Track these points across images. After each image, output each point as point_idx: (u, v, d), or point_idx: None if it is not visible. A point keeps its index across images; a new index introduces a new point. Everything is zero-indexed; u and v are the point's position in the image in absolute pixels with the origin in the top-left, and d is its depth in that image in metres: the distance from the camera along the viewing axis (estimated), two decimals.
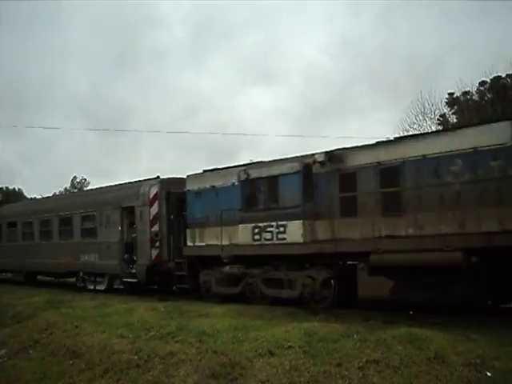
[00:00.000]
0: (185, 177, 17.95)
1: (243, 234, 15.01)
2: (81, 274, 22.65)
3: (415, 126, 36.25)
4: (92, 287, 21.90)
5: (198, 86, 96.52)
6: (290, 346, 9.27)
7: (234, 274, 15.46)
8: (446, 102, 38.12)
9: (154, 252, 18.82)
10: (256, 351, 9.34)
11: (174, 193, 18.77)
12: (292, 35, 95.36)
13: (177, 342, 10.78)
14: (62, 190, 58.85)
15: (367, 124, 68.36)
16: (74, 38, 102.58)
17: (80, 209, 22.89)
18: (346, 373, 8.12)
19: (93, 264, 21.63)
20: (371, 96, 73.05)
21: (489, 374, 7.40)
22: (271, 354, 9.13)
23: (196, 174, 17.70)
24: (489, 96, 35.84)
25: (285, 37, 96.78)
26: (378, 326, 10.63)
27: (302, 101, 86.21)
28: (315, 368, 8.42)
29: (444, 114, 37.77)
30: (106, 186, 23.59)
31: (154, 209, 19.00)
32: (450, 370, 7.67)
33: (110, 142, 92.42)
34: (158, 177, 19.81)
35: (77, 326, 13.14)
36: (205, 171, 17.50)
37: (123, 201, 20.31)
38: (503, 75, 34.79)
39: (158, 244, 18.87)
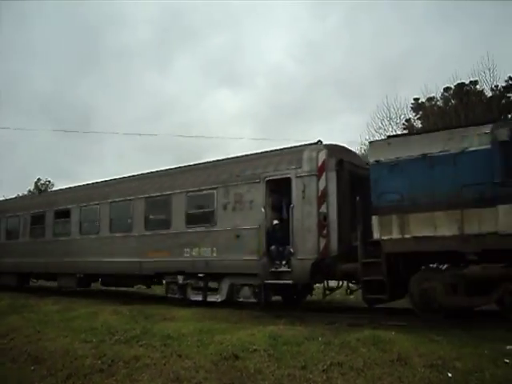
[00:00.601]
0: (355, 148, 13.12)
1: (507, 219, 10.62)
2: (180, 278, 16.37)
3: (381, 131, 36.71)
4: (199, 298, 15.89)
5: (163, 87, 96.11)
6: (255, 350, 9.25)
7: (489, 277, 10.92)
8: (412, 107, 38.77)
9: (322, 242, 13.44)
10: (221, 355, 9.28)
11: (347, 163, 14.13)
12: (257, 38, 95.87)
13: (141, 346, 10.65)
14: (26, 192, 57.71)
15: (333, 128, 68.67)
16: (36, 36, 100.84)
17: (184, 187, 16.82)
18: (311, 375, 8.14)
19: (206, 262, 15.60)
20: (337, 99, 73.78)
21: (450, 374, 7.51)
22: (236, 357, 9.09)
23: (389, 139, 13.32)
24: (453, 102, 36.57)
25: (250, 39, 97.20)
26: (343, 329, 10.71)
27: (267, 104, 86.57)
28: (279, 371, 8.41)
29: (409, 118, 38.41)
30: (230, 158, 17.24)
31: (322, 182, 13.73)
32: (413, 372, 7.76)
33: (73, 144, 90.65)
34: (320, 142, 14.77)
35: (39, 331, 12.87)
36: (390, 137, 14.01)
37: (268, 171, 14.69)
38: (467, 82, 35.56)
39: (325, 232, 13.53)
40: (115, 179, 21.11)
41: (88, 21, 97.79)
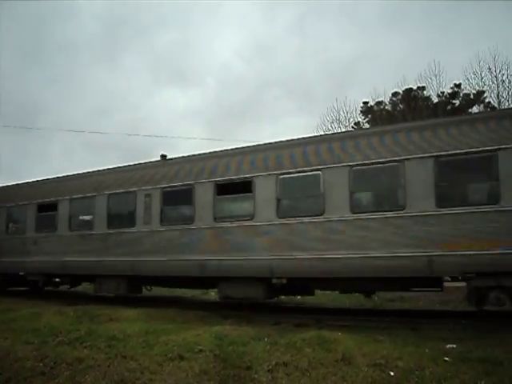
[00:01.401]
0: None
1: None
2: None
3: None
4: None
5: (111, 83, 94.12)
6: (200, 350, 9.20)
7: None
8: (361, 111, 39.42)
9: None
10: (166, 355, 9.20)
11: None
12: (206, 36, 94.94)
13: (85, 347, 10.44)
14: None
15: (280, 128, 68.92)
16: None
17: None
18: (256, 376, 8.14)
19: None
20: (286, 101, 74.01)
21: (392, 373, 7.64)
22: (181, 358, 9.02)
23: None
24: (401, 106, 37.41)
25: (198, 37, 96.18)
26: (289, 329, 10.81)
27: (215, 103, 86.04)
28: (225, 371, 8.39)
29: (358, 122, 39.02)
30: None
31: None
32: (356, 371, 7.86)
33: (17, 140, 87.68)
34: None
35: None
36: None
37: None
38: (414, 87, 36.43)
39: None
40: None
41: (32, 14, 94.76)
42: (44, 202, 19.34)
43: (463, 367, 7.60)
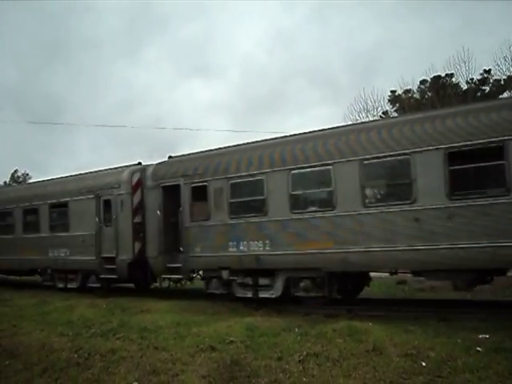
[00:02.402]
0: None
1: None
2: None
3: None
4: None
5: (133, 77, 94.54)
6: (231, 341, 9.30)
7: None
8: (389, 100, 38.95)
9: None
10: (198, 346, 9.31)
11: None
12: (226, 27, 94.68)
13: (118, 338, 10.63)
14: (1, 183, 56.92)
15: (306, 119, 68.29)
16: (0, 26, 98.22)
17: None
18: (287, 366, 8.19)
19: None
20: (310, 91, 73.36)
21: (423, 363, 7.61)
22: (213, 349, 9.13)
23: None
24: (429, 94, 36.84)
25: (220, 29, 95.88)
26: (319, 320, 10.82)
27: (240, 95, 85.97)
28: (256, 362, 8.46)
29: (386, 111, 38.56)
30: None
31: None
32: (387, 361, 7.86)
33: (44, 137, 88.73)
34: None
35: (14, 325, 12.75)
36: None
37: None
38: (443, 74, 35.85)
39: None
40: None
41: (55, 9, 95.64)
42: None
43: (496, 358, 7.52)
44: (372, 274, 13.52)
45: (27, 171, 63.19)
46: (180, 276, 15.40)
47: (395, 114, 36.67)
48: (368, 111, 37.92)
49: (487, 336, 8.68)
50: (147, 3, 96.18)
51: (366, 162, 11.94)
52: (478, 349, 7.94)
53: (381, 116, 37.14)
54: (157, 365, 9.03)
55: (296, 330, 9.68)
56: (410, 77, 37.91)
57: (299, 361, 8.27)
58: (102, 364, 9.61)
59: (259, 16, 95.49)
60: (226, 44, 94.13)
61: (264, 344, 9.07)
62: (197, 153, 16.20)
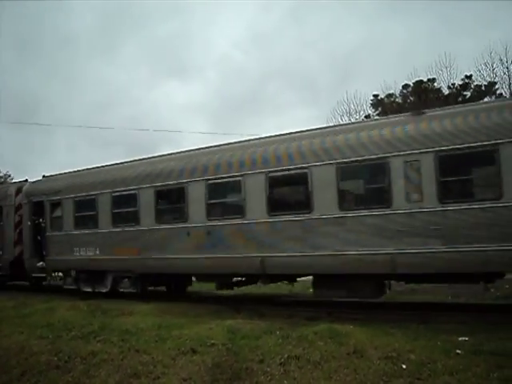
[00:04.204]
0: None
1: None
2: None
3: None
4: None
5: (110, 76, 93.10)
6: (213, 344, 9.27)
7: None
8: (371, 104, 39.27)
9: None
10: (179, 349, 9.29)
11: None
12: (204, 28, 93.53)
13: (99, 341, 10.57)
14: None
15: (284, 121, 67.78)
16: None
17: None
18: (268, 369, 8.21)
19: None
20: (287, 92, 73.02)
21: (404, 366, 7.67)
22: (194, 351, 9.11)
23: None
24: (411, 99, 37.21)
25: (197, 29, 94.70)
26: (301, 323, 10.84)
27: (217, 96, 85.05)
28: (237, 365, 8.46)
29: (369, 114, 38.86)
30: None
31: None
32: (368, 364, 7.90)
33: (20, 136, 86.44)
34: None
35: None
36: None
37: None
38: (425, 79, 36.24)
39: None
40: None
41: (30, 8, 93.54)
42: None
43: (475, 360, 7.59)
44: None
45: (9, 172, 62.34)
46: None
47: (376, 117, 36.92)
48: (350, 114, 38.23)
49: (466, 338, 8.76)
50: (123, 1, 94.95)
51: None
52: (458, 351, 8.01)
53: (363, 119, 37.37)
54: (138, 368, 9.00)
55: (277, 332, 9.67)
56: (392, 80, 38.34)
57: (280, 363, 8.28)
58: (83, 367, 9.56)
59: (236, 16, 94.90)
60: (203, 44, 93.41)
61: (245, 347, 9.06)
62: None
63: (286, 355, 8.45)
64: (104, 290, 16.83)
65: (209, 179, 14.05)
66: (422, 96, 35.71)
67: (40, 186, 19.92)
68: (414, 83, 36.67)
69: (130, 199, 16.17)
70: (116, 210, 16.61)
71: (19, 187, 21.06)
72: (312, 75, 69.05)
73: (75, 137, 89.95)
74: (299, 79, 72.54)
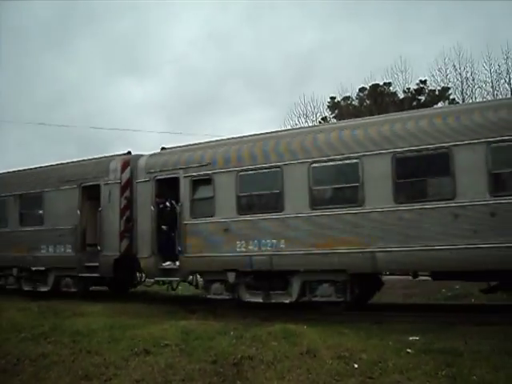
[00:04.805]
0: None
1: None
2: None
3: None
4: None
5: (64, 72, 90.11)
6: (166, 345, 9.21)
7: None
8: (328, 106, 39.68)
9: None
10: (132, 350, 9.18)
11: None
12: (161, 26, 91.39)
13: (49, 342, 10.34)
14: None
15: (243, 122, 67.06)
16: None
17: None
18: (221, 369, 8.18)
19: None
20: (245, 93, 72.18)
21: (356, 365, 7.75)
22: (147, 352, 9.02)
23: None
24: (367, 102, 37.76)
25: (154, 27, 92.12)
26: (255, 323, 10.86)
27: (174, 96, 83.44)
28: (191, 366, 8.41)
29: (325, 117, 39.26)
30: None
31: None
32: (321, 364, 7.95)
33: None
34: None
35: None
36: None
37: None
38: (381, 83, 36.84)
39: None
40: None
41: None
42: None
43: (425, 358, 7.74)
44: None
45: None
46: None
47: (334, 121, 37.36)
48: (307, 116, 38.56)
49: (417, 338, 8.96)
50: None
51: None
52: (408, 350, 8.16)
53: (320, 121, 37.81)
54: (89, 369, 8.85)
55: (231, 333, 9.67)
56: (349, 83, 38.81)
57: (234, 364, 8.25)
58: (32, 369, 9.34)
59: (193, 15, 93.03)
60: (160, 42, 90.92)
61: (199, 347, 9.02)
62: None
63: (239, 355, 8.43)
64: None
65: None
66: (377, 99, 36.28)
67: (172, 158, 14.73)
68: (370, 86, 37.23)
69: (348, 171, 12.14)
70: (318, 187, 12.38)
71: (126, 160, 15.96)
72: (269, 76, 68.67)
73: (26, 133, 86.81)
74: (256, 79, 72.03)
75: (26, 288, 17.81)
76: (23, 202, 18.25)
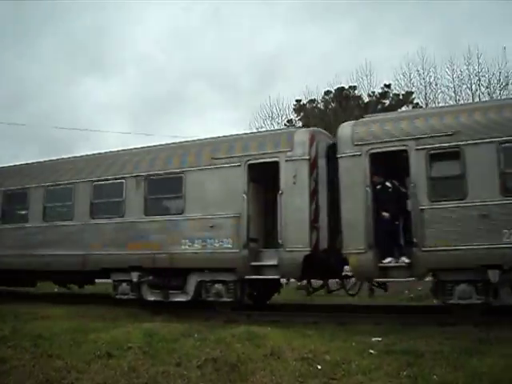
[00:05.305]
0: None
1: None
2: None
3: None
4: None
5: (24, 70, 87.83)
6: (129, 347, 9.09)
7: None
8: (294, 108, 39.88)
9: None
10: (94, 353, 9.03)
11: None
12: (124, 25, 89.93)
13: (9, 347, 10.07)
14: None
15: (207, 123, 66.72)
16: None
17: None
18: (185, 372, 8.13)
19: None
20: (209, 94, 71.89)
21: (319, 366, 7.81)
22: (110, 355, 8.89)
23: None
24: (333, 105, 38.12)
25: (117, 26, 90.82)
26: (219, 325, 10.85)
27: (138, 96, 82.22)
28: (154, 368, 8.34)
29: (291, 119, 39.45)
30: None
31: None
32: (285, 365, 7.98)
33: None
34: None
35: None
36: None
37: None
38: (346, 86, 37.21)
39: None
40: None
41: None
42: None
43: (387, 359, 7.82)
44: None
45: None
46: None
47: (300, 123, 37.61)
48: (273, 119, 38.67)
49: (380, 339, 9.07)
50: None
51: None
52: (371, 351, 8.25)
53: (285, 124, 37.94)
54: (50, 374, 8.67)
55: (195, 335, 9.64)
56: (314, 86, 39.03)
57: (197, 366, 8.21)
58: None
59: (156, 14, 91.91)
60: (123, 42, 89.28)
61: (162, 350, 8.95)
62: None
63: (203, 358, 8.40)
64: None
65: None
66: (343, 103, 36.64)
67: (396, 125, 11.73)
68: (335, 90, 37.58)
69: None
70: None
71: (313, 133, 12.95)
72: (234, 77, 68.57)
73: None
74: (221, 81, 71.84)
75: (152, 298, 13.89)
76: (151, 186, 14.43)
